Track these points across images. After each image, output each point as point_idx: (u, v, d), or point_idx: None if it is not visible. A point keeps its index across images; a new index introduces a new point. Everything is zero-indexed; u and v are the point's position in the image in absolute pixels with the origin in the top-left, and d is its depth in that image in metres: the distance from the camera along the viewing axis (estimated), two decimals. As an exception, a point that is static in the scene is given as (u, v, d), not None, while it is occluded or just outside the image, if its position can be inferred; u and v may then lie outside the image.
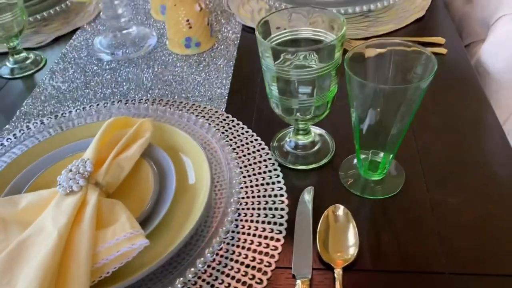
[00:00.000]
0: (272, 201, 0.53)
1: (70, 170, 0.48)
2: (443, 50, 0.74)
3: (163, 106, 0.67)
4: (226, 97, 0.69)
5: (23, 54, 0.81)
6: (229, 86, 0.71)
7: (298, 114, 0.53)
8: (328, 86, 0.50)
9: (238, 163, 0.57)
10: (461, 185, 0.53)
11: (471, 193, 0.52)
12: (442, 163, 0.56)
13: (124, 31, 0.82)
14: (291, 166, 0.57)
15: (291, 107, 0.52)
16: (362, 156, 0.52)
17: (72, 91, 0.73)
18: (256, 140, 0.61)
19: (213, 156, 0.57)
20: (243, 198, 0.53)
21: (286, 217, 0.51)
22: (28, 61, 0.81)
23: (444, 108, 0.64)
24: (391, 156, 0.51)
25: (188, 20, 0.75)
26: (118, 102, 0.69)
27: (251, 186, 0.55)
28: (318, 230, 0.47)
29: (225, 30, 0.85)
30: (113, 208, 0.46)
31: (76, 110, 0.68)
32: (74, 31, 0.89)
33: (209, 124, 0.63)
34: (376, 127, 0.47)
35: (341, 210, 0.49)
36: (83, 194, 0.46)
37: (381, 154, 0.51)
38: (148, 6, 0.93)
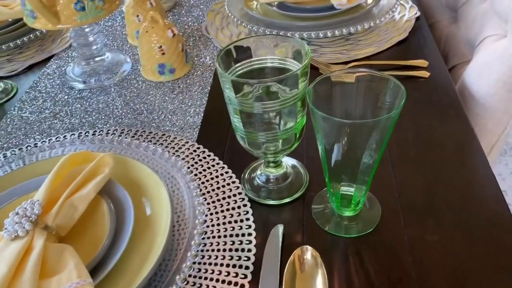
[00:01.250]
0: (239, 241, 0.49)
1: (17, 213, 0.44)
2: (425, 74, 0.71)
3: (131, 137, 0.64)
4: (199, 126, 0.66)
5: (-7, 84, 0.78)
6: (202, 115, 0.68)
7: (265, 147, 0.49)
8: (294, 117, 0.47)
9: (205, 199, 0.54)
10: (441, 222, 0.49)
11: (451, 231, 0.48)
12: (421, 197, 0.52)
13: (97, 58, 0.79)
14: (262, 201, 0.53)
15: (257, 140, 0.49)
16: (333, 190, 0.48)
17: (40, 121, 0.70)
18: (226, 173, 0.57)
19: (177, 193, 0.53)
20: (208, 238, 0.50)
21: (252, 259, 0.47)
22: (-2, 91, 0.78)
23: (424, 136, 0.60)
24: (364, 190, 0.48)
25: (160, 47, 0.73)
26: (85, 133, 0.66)
27: (218, 225, 0.51)
28: (284, 278, 0.43)
29: (202, 55, 0.82)
30: (61, 254, 0.43)
31: (41, 142, 0.65)
32: (49, 58, 0.87)
33: (177, 156, 0.60)
34: (344, 160, 0.44)
35: (309, 253, 0.45)
36: (29, 240, 0.43)
37: (353, 188, 0.47)
38: (125, 32, 0.90)
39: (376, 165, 0.45)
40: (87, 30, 0.74)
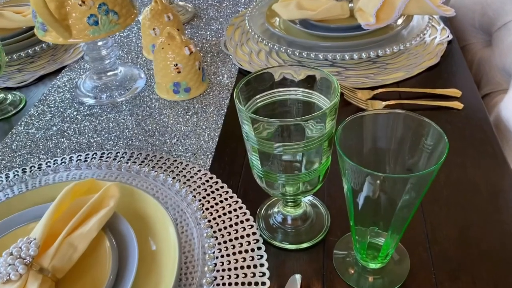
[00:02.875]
0: (251, 290, 0.45)
1: (11, 253, 0.41)
2: (459, 105, 0.65)
3: (141, 162, 0.60)
4: (213, 153, 0.62)
5: (1, 95, 0.75)
6: (217, 140, 0.64)
7: (284, 189, 0.45)
8: (319, 159, 0.43)
9: (216, 237, 0.49)
10: (476, 278, 0.44)
11: (489, 291, 0.43)
12: (454, 248, 0.47)
13: (110, 73, 0.75)
14: (277, 244, 0.49)
15: (276, 181, 0.44)
16: (359, 238, 0.44)
17: (47, 139, 0.66)
18: (240, 208, 0.53)
19: (185, 228, 0.49)
20: (217, 285, 0.45)
21: (266, 312, 0.43)
22: (7, 102, 0.75)
23: (457, 176, 0.55)
24: (395, 239, 0.43)
25: (176, 65, 0.69)
26: (92, 155, 0.62)
27: (229, 270, 0.47)
28: None
29: (220, 73, 0.78)
30: (55, 303, 0.39)
31: (46, 163, 0.61)
32: (61, 69, 0.83)
33: (188, 186, 0.55)
34: (375, 206, 0.39)
35: (329, 313, 0.40)
36: (21, 285, 0.39)
37: (383, 238, 0.42)
38: (141, 44, 0.87)
39: (411, 215, 0.40)
40: (100, 43, 0.71)
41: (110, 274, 0.43)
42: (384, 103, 0.67)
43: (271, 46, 0.78)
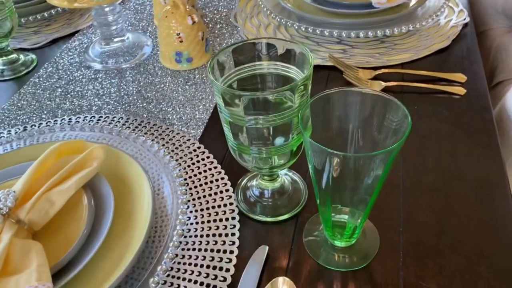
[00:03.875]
0: (218, 258, 0.46)
1: (-11, 203, 0.43)
2: (461, 90, 0.63)
3: (134, 127, 0.61)
4: (205, 124, 0.62)
5: (14, 56, 0.78)
6: (211, 111, 0.64)
7: (257, 162, 0.45)
8: (290, 134, 0.43)
9: (194, 205, 0.50)
10: (442, 268, 0.44)
11: (449, 281, 0.43)
12: (427, 235, 0.47)
13: (117, 39, 0.77)
14: (251, 216, 0.50)
15: (248, 154, 0.45)
16: (324, 216, 0.44)
17: (51, 100, 0.69)
18: (222, 179, 0.54)
19: (163, 197, 0.50)
20: (188, 249, 0.47)
21: (229, 280, 0.44)
22: (19, 62, 0.78)
23: (446, 163, 0.54)
24: (360, 219, 0.43)
25: (178, 34, 0.69)
26: (90, 118, 0.64)
27: (201, 236, 0.48)
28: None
29: (225, 44, 0.78)
30: (27, 252, 0.41)
31: (46, 123, 0.64)
32: (75, 33, 0.85)
33: (175, 154, 0.57)
34: (337, 184, 0.39)
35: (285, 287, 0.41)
36: (-4, 232, 0.42)
37: (346, 215, 0.42)
38: (153, 12, 0.87)
39: (375, 194, 0.40)
40: (107, 9, 0.72)
41: (84, 230, 0.45)
42: (384, 84, 0.65)
43: (279, 20, 0.77)
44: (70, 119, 0.64)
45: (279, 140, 0.43)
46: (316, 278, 0.44)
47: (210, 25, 0.83)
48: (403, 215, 0.48)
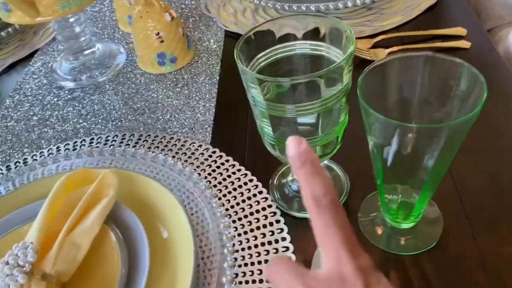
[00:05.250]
0: (276, 267, 0.41)
1: (7, 263, 0.36)
2: (466, 44, 0.61)
3: (134, 144, 0.55)
4: (211, 125, 0.57)
5: (-29, 89, 0.69)
6: (214, 110, 0.59)
7: (300, 155, 0.41)
8: (337, 118, 0.38)
9: (229, 215, 0.45)
10: (517, 227, 0.41)
11: (532, 239, 0.40)
12: (486, 198, 0.44)
13: (87, 51, 0.69)
14: (297, 215, 0.45)
15: (290, 147, 0.40)
16: (389, 198, 0.40)
17: (28, 131, 0.61)
18: (251, 181, 0.49)
19: (196, 212, 0.45)
20: (239, 266, 0.41)
21: (296, 290, 0.39)
22: (-22, 96, 0.69)
23: (477, 122, 0.51)
24: (429, 196, 0.39)
25: (158, 33, 0.63)
26: (80, 142, 0.57)
27: (249, 248, 0.43)
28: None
29: (205, 38, 0.72)
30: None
31: (31, 157, 0.56)
32: (33, 54, 0.77)
33: (191, 164, 0.51)
34: (408, 158, 0.35)
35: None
36: (24, 296, 0.35)
37: (416, 195, 0.38)
38: (115, 17, 0.80)
39: (445, 169, 0.36)
40: (71, 20, 0.64)
41: (121, 269, 0.39)
42: (387, 50, 0.62)
43: (256, 2, 0.72)
44: (58, 147, 0.57)
45: (324, 128, 0.38)
46: (387, 267, 0.40)
47: (182, 20, 0.77)
48: (456, 183, 0.45)
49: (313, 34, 0.39)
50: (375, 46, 0.64)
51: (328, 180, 0.26)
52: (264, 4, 0.71)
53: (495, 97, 0.53)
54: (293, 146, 0.26)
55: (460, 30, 0.63)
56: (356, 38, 0.65)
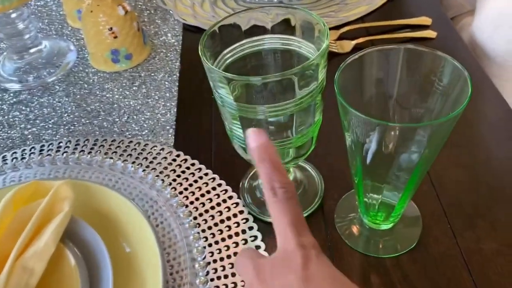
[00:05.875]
0: (252, 279, 0.38)
1: None
2: (431, 34, 0.60)
3: (89, 150, 0.51)
4: (174, 126, 0.53)
5: None
6: (175, 110, 0.55)
7: (273, 158, 0.38)
8: (312, 118, 0.36)
9: (198, 224, 0.42)
10: (495, 222, 0.40)
11: (509, 235, 0.39)
12: (464, 193, 0.43)
13: (33, 50, 0.64)
14: (270, 220, 0.42)
15: (262, 150, 0.37)
16: (369, 199, 0.38)
17: (-31, 139, 0.55)
18: (219, 185, 0.46)
19: (161, 222, 0.41)
20: (212, 280, 0.38)
21: (274, 302, 0.36)
22: None
23: (450, 111, 0.50)
24: (410, 195, 0.37)
25: (111, 29, 0.58)
26: (30, 150, 0.52)
27: (221, 260, 0.40)
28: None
29: (162, 32, 0.68)
30: None
31: (-27, 169, 0.51)
32: (-29, 53, 0.70)
33: (153, 170, 0.47)
34: (387, 156, 0.32)
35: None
36: (-32, 334, 0.31)
37: (397, 194, 0.36)
38: (63, 12, 0.74)
39: (427, 166, 0.34)
40: (14, 16, 0.59)
41: (81, 293, 0.35)
42: (353, 42, 0.60)
43: (215, -6, 0.68)
44: (4, 157, 0.52)
45: (299, 128, 0.36)
46: (368, 271, 0.38)
47: (137, 14, 0.72)
48: (432, 179, 0.44)
49: (283, 27, 0.36)
50: (341, 37, 0.62)
51: (284, 173, 0.28)
52: (223, -4, 0.68)
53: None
54: (253, 138, 0.28)
55: (425, 20, 0.62)
56: (321, 30, 0.63)
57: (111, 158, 0.48)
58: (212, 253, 0.40)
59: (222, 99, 0.34)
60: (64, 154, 0.50)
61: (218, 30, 0.36)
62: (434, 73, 0.32)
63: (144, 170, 0.46)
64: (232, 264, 0.39)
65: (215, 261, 0.39)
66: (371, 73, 0.33)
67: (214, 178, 0.46)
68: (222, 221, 0.43)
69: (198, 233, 0.41)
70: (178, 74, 0.60)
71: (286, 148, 0.37)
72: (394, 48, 0.32)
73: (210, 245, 0.41)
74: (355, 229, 0.41)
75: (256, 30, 0.37)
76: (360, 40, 0.60)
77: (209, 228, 0.42)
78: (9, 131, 0.56)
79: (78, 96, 0.59)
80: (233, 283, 0.38)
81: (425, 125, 0.30)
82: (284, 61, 0.38)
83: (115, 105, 0.57)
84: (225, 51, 0.37)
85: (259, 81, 0.32)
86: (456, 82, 0.31)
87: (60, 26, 0.73)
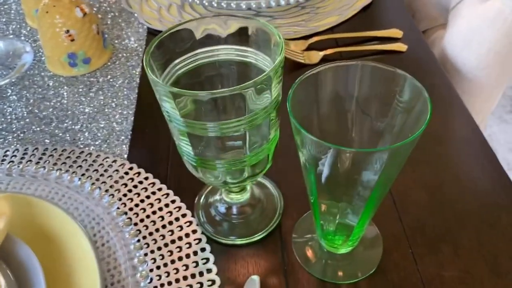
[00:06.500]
0: (200, 305, 0.36)
1: None
2: (402, 47, 0.59)
3: (37, 160, 0.47)
4: (129, 137, 0.50)
5: None
6: (132, 119, 0.52)
7: (227, 178, 0.35)
8: (267, 134, 0.33)
9: (146, 247, 0.39)
10: (458, 246, 0.38)
11: (472, 262, 0.37)
12: (427, 215, 0.41)
13: (-15, 50, 0.60)
14: (224, 241, 0.40)
15: (214, 169, 0.35)
16: (325, 222, 0.35)
17: None
18: (173, 202, 0.43)
19: (107, 241, 0.39)
20: (157, 306, 0.36)
21: (222, 332, 0.34)
22: None
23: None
24: (370, 217, 0.35)
25: (68, 31, 0.55)
26: (-28, 158, 0.48)
27: (169, 284, 0.37)
28: None
29: (125, 35, 0.65)
30: None
31: None
32: None
33: (103, 183, 0.44)
34: (343, 175, 0.30)
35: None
36: None
37: (356, 216, 0.34)
38: (23, 11, 0.71)
39: (390, 185, 0.32)
40: (-38, 13, 0.55)
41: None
42: (322, 53, 0.58)
43: (182, -2, 0.66)
44: None
45: (253, 146, 0.33)
46: (325, 299, 0.36)
47: (100, 16, 0.69)
48: (394, 199, 0.42)
49: (239, 38, 0.34)
50: (309, 48, 0.60)
51: None
52: (191, 0, 0.65)
53: (433, 104, 0.51)
54: None
55: (396, 32, 0.61)
56: (291, 39, 0.61)
57: (60, 169, 0.45)
58: (160, 276, 0.37)
59: (169, 114, 0.32)
60: (9, 164, 0.46)
61: (169, 38, 0.33)
62: (394, 91, 0.30)
63: (93, 184, 0.43)
64: (180, 289, 0.36)
65: (162, 285, 0.37)
66: (329, 89, 0.31)
67: (168, 194, 0.44)
68: (173, 241, 0.40)
69: (146, 254, 0.38)
70: (138, 81, 0.58)
71: (240, 167, 0.34)
72: (351, 64, 0.30)
73: (158, 267, 0.38)
74: (313, 252, 0.39)
75: (211, 39, 0.35)
76: (329, 51, 0.58)
77: (159, 248, 0.39)
78: (-48, 137, 0.52)
79: (31, 101, 0.56)
80: (179, 310, 0.35)
81: (381, 150, 0.28)
82: (240, 74, 0.35)
83: (69, 112, 0.54)
84: (176, 61, 0.34)
85: (207, 96, 0.29)
86: (417, 101, 0.29)
87: (18, 26, 0.69)
